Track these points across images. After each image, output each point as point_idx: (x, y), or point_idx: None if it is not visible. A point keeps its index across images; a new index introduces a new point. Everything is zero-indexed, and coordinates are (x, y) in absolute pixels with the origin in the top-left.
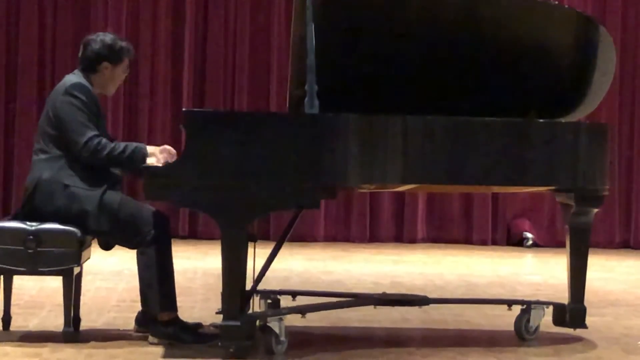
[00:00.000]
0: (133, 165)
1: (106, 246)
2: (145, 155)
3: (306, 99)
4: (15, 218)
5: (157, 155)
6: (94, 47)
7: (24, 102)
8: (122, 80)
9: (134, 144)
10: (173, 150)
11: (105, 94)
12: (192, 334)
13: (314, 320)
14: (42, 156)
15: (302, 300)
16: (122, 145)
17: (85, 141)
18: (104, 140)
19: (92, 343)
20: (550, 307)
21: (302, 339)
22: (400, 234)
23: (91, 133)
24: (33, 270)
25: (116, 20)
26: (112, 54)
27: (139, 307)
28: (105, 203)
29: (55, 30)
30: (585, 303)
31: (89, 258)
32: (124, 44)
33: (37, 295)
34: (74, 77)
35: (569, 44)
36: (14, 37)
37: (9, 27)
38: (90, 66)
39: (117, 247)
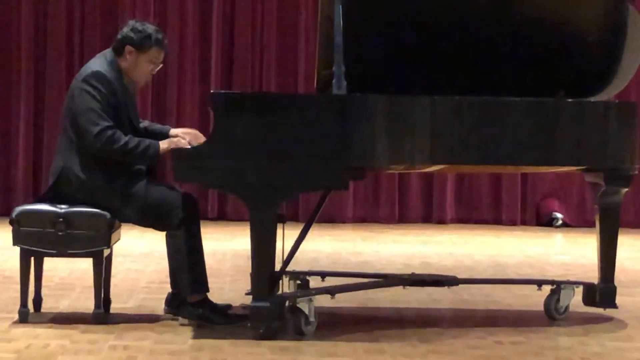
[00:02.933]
0: (144, 162)
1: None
2: (157, 153)
3: (334, 80)
4: (39, 202)
5: (180, 137)
6: (124, 30)
7: (53, 89)
8: (152, 71)
9: (148, 141)
10: (194, 131)
11: (134, 82)
12: (222, 315)
13: (343, 300)
14: (65, 143)
15: (331, 281)
16: (135, 140)
17: (98, 131)
18: (118, 132)
19: (122, 324)
20: (580, 287)
21: (331, 320)
22: (429, 215)
23: (105, 123)
24: (63, 252)
25: (144, 3)
26: (137, 40)
27: (168, 288)
28: (128, 194)
29: (83, 16)
30: (615, 283)
31: (118, 240)
32: (154, 33)
33: (67, 277)
34: (96, 64)
35: (597, 23)
36: (42, 19)
37: (38, 11)
38: (117, 47)
39: (146, 229)
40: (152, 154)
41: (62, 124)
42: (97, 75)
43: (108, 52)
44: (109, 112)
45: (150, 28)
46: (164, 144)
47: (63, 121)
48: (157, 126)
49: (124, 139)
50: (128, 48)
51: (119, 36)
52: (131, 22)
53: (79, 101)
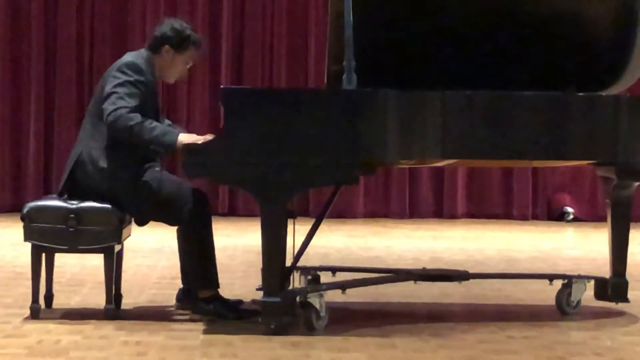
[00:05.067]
0: (158, 148)
1: (141, 222)
2: (174, 142)
3: (344, 75)
4: (60, 195)
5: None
6: (162, 29)
7: (63, 86)
8: (185, 71)
9: (168, 128)
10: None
11: (165, 80)
12: (233, 310)
13: (354, 296)
14: (86, 132)
15: (342, 276)
16: (154, 122)
17: (114, 108)
18: (136, 113)
19: (134, 320)
20: (592, 282)
21: (342, 315)
22: (440, 210)
23: (124, 104)
24: (74, 248)
25: None
26: (176, 40)
27: (179, 284)
28: (142, 185)
29: (93, 13)
30: (627, 277)
31: (129, 235)
32: (192, 34)
33: (78, 273)
34: (131, 57)
35: (608, 16)
36: (52, 17)
37: (48, 8)
38: (154, 46)
39: (157, 224)
40: (168, 142)
41: (89, 112)
42: (131, 65)
43: (143, 50)
44: (136, 98)
45: (188, 29)
46: (183, 137)
47: (89, 109)
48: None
49: (141, 118)
50: (166, 47)
51: (156, 34)
52: (169, 21)
53: (108, 86)
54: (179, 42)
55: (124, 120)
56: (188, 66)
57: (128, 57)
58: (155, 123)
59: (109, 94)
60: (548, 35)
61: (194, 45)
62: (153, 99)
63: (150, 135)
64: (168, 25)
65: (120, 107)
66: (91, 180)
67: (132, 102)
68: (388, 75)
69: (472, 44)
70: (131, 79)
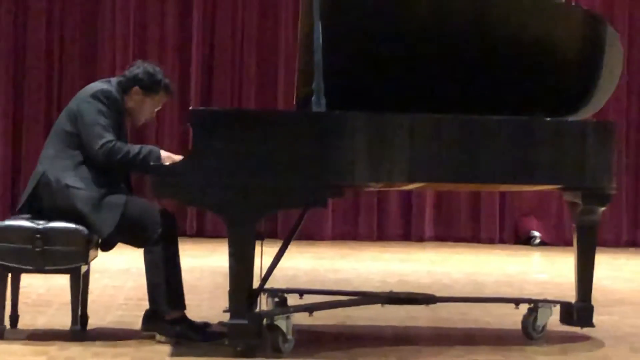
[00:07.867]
0: (147, 168)
1: (106, 247)
2: (158, 156)
3: (313, 97)
4: (20, 212)
5: (172, 158)
6: (134, 70)
7: (31, 103)
8: (151, 115)
9: (149, 147)
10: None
11: (133, 121)
12: (200, 332)
13: (322, 318)
14: (51, 151)
15: (309, 299)
16: (136, 147)
17: (101, 144)
18: (119, 143)
19: (100, 341)
20: (558, 306)
21: (309, 338)
22: (408, 233)
23: (109, 137)
24: (40, 268)
25: (124, 18)
26: (147, 83)
27: (146, 305)
28: (107, 205)
29: (62, 28)
30: (593, 302)
31: (96, 256)
32: (164, 79)
33: (44, 293)
34: (105, 85)
35: (575, 42)
36: (21, 34)
37: (17, 23)
38: (125, 85)
39: (124, 245)
40: (155, 159)
41: (55, 133)
42: (106, 92)
43: (113, 80)
44: (114, 128)
45: (160, 74)
46: (164, 152)
47: (55, 130)
48: None
49: (125, 148)
50: (136, 89)
51: (127, 74)
52: (141, 63)
53: (87, 115)
54: (150, 85)
55: (113, 154)
56: (156, 110)
57: (101, 84)
58: (136, 148)
59: (92, 124)
60: (516, 61)
61: (164, 90)
62: (123, 129)
63: (137, 160)
64: (140, 67)
65: (107, 142)
66: (55, 199)
67: (112, 134)
68: (357, 98)
69: (441, 68)
70: (110, 107)
